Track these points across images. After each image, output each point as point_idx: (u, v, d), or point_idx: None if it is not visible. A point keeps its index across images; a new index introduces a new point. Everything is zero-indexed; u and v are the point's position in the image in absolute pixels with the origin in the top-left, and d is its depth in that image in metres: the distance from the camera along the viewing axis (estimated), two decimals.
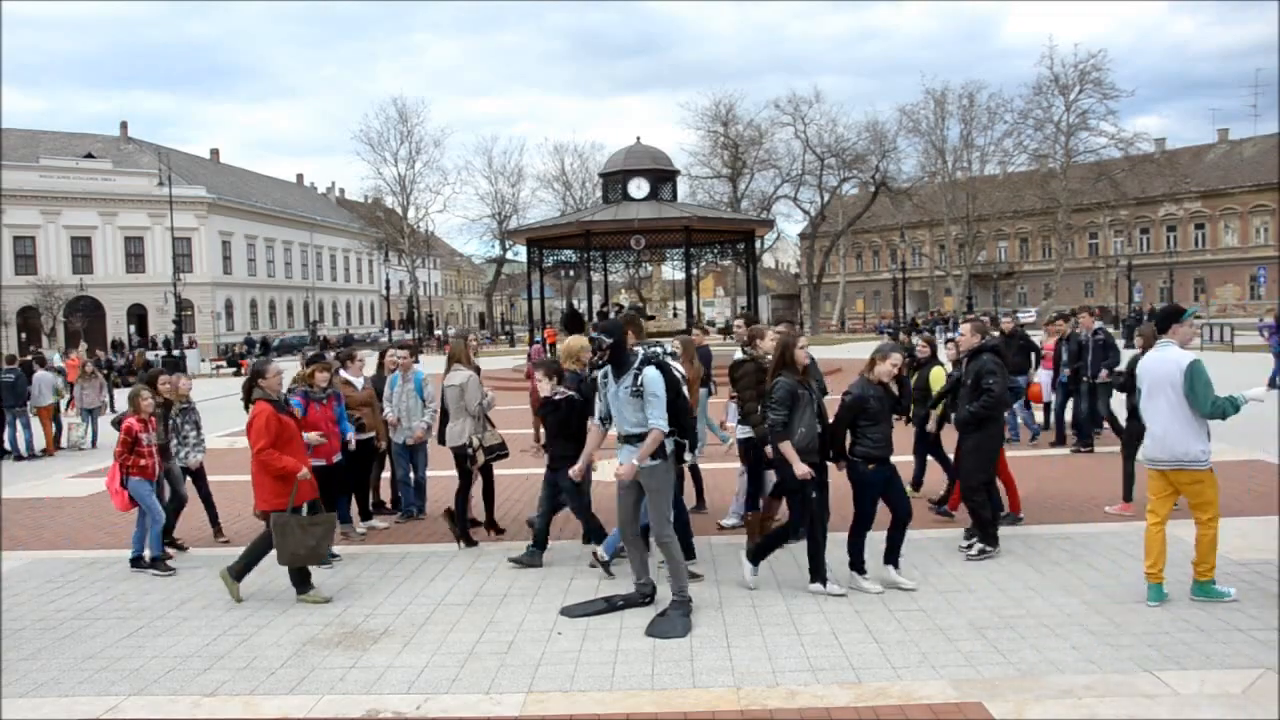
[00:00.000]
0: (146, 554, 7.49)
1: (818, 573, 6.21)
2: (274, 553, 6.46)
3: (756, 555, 6.46)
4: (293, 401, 7.36)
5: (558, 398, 7.04)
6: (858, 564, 6.28)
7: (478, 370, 8.32)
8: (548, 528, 7.22)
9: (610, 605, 6.03)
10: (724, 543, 7.57)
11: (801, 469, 5.95)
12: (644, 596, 6.06)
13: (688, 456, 6.16)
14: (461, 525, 7.81)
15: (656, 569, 6.32)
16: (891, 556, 6.31)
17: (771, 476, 7.00)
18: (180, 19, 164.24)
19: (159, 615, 6.24)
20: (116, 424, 7.71)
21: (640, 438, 5.74)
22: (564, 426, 7.04)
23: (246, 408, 6.89)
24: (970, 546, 7.00)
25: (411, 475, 8.91)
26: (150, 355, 34.17)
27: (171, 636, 5.82)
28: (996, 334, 11.47)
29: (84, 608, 6.50)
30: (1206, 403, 5.52)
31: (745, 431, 7.47)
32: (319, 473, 7.20)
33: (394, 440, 8.74)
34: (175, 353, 37.52)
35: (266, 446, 6.43)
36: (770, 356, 6.67)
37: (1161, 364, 5.75)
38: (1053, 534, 7.52)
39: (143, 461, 7.43)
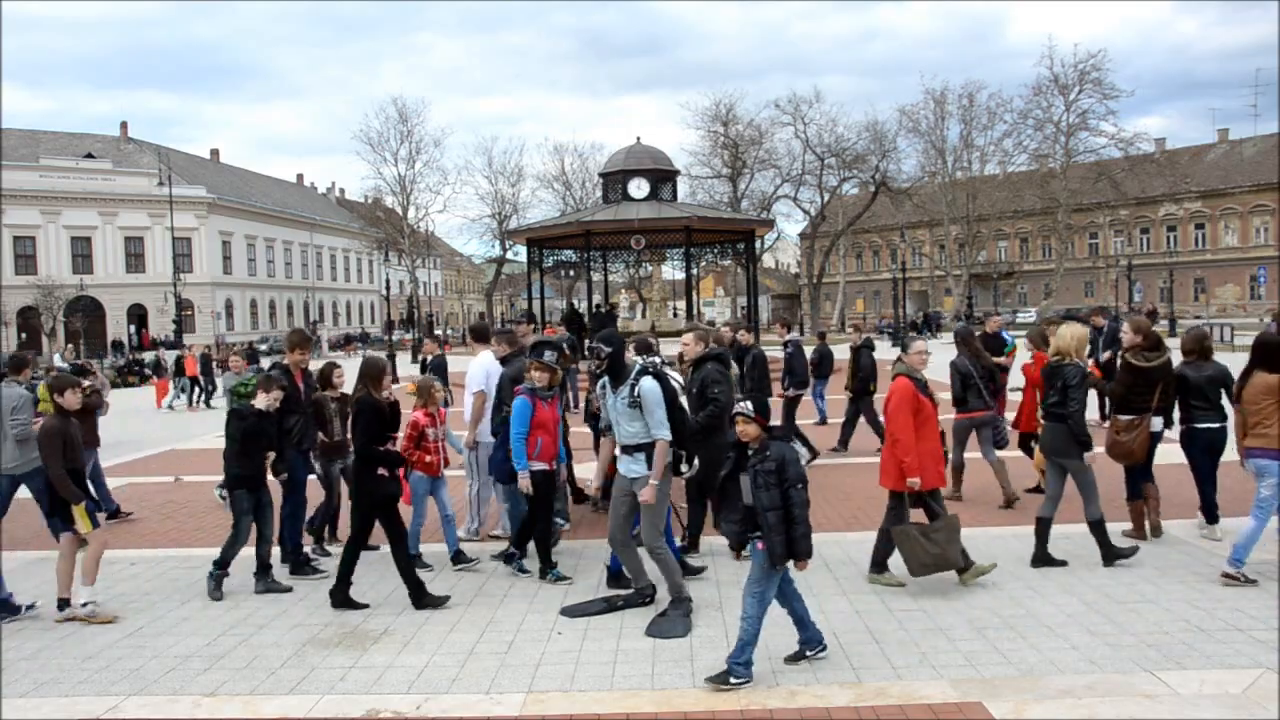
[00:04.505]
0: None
1: None
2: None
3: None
4: (519, 399, 6.98)
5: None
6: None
7: None
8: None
9: (610, 605, 6.03)
10: (725, 543, 7.54)
11: None
12: (644, 597, 6.05)
13: (683, 469, 6.05)
14: None
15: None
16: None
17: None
18: (185, 19, 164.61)
19: (159, 615, 6.24)
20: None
21: (638, 448, 5.74)
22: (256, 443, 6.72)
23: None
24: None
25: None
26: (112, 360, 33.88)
27: (171, 636, 5.82)
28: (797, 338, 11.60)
29: None
30: None
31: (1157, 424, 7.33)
32: (543, 477, 6.65)
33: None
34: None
35: (907, 424, 6.13)
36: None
37: None
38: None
39: (428, 458, 7.05)
